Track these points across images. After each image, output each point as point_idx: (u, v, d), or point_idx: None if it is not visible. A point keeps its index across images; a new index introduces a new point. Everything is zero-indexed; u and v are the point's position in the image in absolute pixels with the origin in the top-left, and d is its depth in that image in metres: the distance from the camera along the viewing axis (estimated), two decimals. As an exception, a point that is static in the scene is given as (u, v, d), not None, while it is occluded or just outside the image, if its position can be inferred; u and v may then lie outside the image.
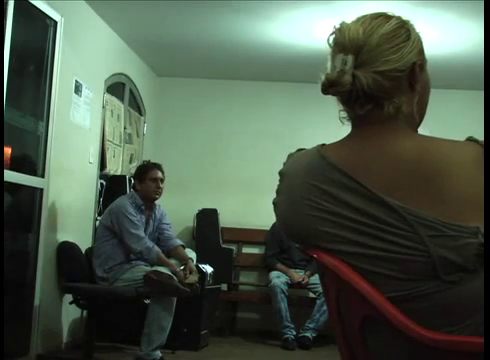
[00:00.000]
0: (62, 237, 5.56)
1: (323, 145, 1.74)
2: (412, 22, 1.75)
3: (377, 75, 1.65)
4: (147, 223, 5.71)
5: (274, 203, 1.81)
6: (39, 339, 5.09)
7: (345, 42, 1.66)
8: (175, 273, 5.38)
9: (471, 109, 7.80)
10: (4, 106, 4.29)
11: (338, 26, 1.70)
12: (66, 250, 5.55)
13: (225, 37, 6.55)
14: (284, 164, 1.80)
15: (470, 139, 1.65)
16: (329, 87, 1.66)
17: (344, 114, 1.74)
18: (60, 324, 5.65)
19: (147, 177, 5.66)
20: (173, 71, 8.05)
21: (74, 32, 5.57)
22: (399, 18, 1.73)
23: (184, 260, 5.64)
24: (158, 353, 5.32)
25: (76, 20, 5.63)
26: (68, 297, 5.49)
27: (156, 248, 5.51)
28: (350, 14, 6.11)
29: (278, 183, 1.79)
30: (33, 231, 5.07)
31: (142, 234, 5.53)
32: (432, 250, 1.54)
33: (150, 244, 5.50)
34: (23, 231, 5.11)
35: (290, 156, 1.82)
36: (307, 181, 1.68)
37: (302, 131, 7.89)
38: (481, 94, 7.47)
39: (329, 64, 1.70)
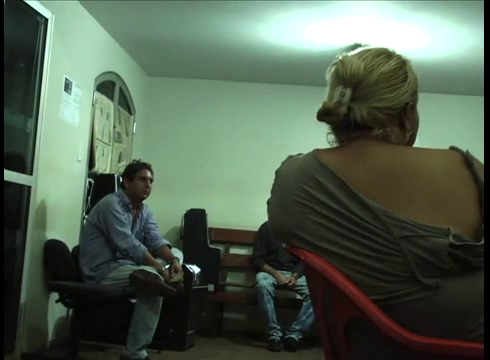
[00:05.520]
0: (49, 235, 5.54)
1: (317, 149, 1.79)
2: (411, 63, 1.83)
3: (372, 109, 1.73)
4: (134, 222, 5.71)
5: (268, 202, 1.83)
6: (24, 337, 5.07)
7: (346, 76, 1.75)
8: (161, 272, 5.37)
9: (462, 114, 7.83)
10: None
11: (341, 58, 1.79)
12: (53, 248, 5.53)
13: (215, 38, 6.55)
14: (282, 163, 1.84)
15: (452, 148, 1.74)
16: (325, 115, 1.76)
17: (332, 137, 1.83)
18: (46, 322, 5.63)
19: (136, 176, 5.66)
20: (163, 71, 8.05)
21: (65, 30, 5.56)
22: (399, 58, 1.81)
23: (170, 259, 5.62)
24: (144, 353, 5.31)
25: (67, 18, 5.62)
26: (54, 295, 5.46)
27: (142, 246, 5.50)
28: (340, 17, 6.13)
29: (273, 182, 1.83)
30: (20, 228, 5.05)
31: (128, 232, 5.52)
32: (405, 249, 1.57)
33: (136, 242, 5.49)
34: (10, 228, 5.09)
35: (289, 157, 1.85)
36: (299, 181, 1.71)
37: (291, 132, 7.91)
38: (472, 99, 7.56)
39: (328, 91, 1.79)
